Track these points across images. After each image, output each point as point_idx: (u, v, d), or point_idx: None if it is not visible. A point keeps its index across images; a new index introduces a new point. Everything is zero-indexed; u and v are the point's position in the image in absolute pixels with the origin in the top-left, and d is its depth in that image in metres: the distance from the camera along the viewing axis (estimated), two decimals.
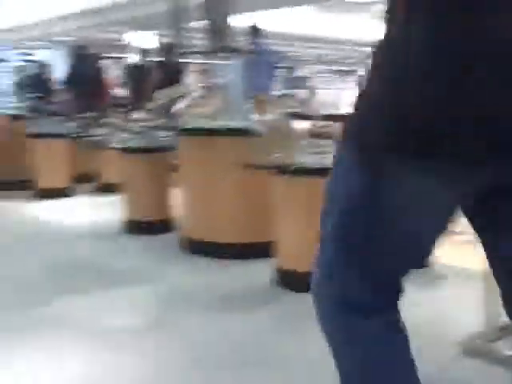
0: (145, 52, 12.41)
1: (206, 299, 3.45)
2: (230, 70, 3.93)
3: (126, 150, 5.08)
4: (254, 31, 7.44)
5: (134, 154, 5.04)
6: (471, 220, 1.33)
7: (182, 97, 4.29)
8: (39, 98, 8.66)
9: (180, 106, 4.13)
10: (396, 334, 1.39)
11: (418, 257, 1.39)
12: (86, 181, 7.17)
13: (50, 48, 23.22)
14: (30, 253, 4.51)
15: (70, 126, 7.02)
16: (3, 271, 4.03)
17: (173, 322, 3.11)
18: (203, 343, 2.82)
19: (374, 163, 1.21)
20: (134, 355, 2.69)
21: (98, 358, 2.67)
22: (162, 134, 5.09)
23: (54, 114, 7.38)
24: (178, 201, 4.64)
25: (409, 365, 1.38)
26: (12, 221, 5.68)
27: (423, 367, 1.46)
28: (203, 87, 4.48)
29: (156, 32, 17.41)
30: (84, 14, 16.50)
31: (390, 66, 1.18)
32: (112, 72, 10.62)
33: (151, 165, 4.97)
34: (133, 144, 5.14)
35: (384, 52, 1.21)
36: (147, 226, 4.96)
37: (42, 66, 10.74)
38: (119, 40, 19.39)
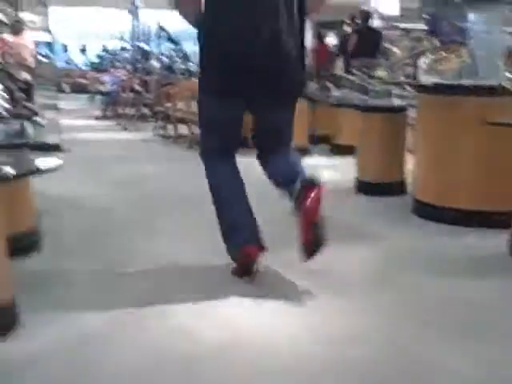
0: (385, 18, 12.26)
1: (435, 263, 3.35)
2: (483, 22, 3.68)
3: (364, 109, 5.06)
4: None
5: (372, 112, 5.00)
6: (250, 112, 3.04)
7: (424, 53, 4.11)
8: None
9: (422, 62, 3.97)
10: (236, 168, 3.16)
11: (235, 133, 3.11)
12: (323, 141, 7.34)
13: None
14: (261, 204, 4.75)
15: (310, 87, 7.22)
16: None
17: (401, 282, 3.07)
18: (433, 305, 2.75)
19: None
20: (368, 310, 2.71)
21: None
22: (402, 92, 4.98)
23: None
24: (413, 162, 4.52)
25: (243, 186, 3.15)
26: (248, 175, 6.02)
27: None
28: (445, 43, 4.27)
29: None
30: None
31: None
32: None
33: (389, 124, 4.90)
34: (369, 103, 5.11)
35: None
36: (380, 186, 4.93)
37: None
38: (360, 5, 19.29)
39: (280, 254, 3.24)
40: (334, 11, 20.57)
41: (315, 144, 7.27)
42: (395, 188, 4.97)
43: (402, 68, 4.43)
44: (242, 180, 3.13)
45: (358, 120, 5.17)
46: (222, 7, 2.79)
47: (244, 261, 3.01)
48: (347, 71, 8.14)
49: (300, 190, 2.85)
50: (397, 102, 5.08)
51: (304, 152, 6.96)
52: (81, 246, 3.57)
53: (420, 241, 3.77)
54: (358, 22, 9.94)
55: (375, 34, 9.41)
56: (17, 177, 2.16)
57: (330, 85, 6.92)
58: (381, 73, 5.64)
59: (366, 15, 9.50)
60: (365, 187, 5.03)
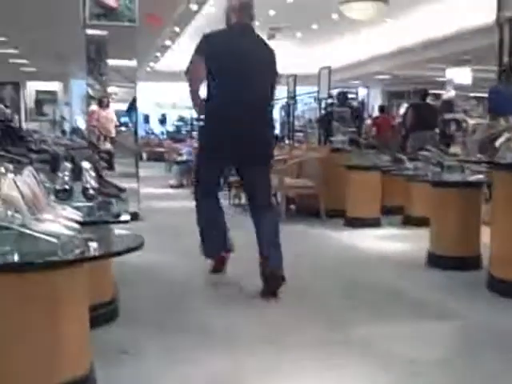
0: (459, 87, 12.35)
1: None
2: None
3: (438, 184, 5.06)
4: None
5: (446, 187, 4.99)
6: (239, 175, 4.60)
7: (502, 132, 4.12)
8: (354, 132, 9.10)
9: (501, 140, 3.98)
10: (219, 205, 4.62)
11: (216, 183, 4.59)
12: (394, 213, 7.33)
13: (367, 86, 24.23)
14: (334, 274, 4.77)
15: (384, 159, 7.30)
16: (310, 288, 4.34)
17: (479, 362, 3.00)
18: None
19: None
20: None
21: None
22: (477, 168, 4.97)
23: (370, 146, 7.68)
24: (488, 237, 4.45)
25: (223, 217, 4.69)
26: (324, 245, 6.07)
27: None
28: None
29: (472, 68, 17.04)
30: (398, 53, 16.90)
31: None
32: None
33: (463, 199, 4.87)
34: (445, 178, 5.11)
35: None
36: (453, 260, 4.86)
37: (359, 102, 11.35)
38: (435, 76, 19.40)
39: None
40: (407, 81, 20.77)
41: (387, 215, 7.26)
42: (469, 262, 4.89)
43: (476, 145, 4.44)
44: (222, 209, 4.70)
45: (431, 192, 5.17)
46: (220, 98, 4.16)
47: (219, 263, 4.72)
48: (403, 144, 8.32)
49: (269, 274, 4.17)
50: (472, 177, 5.06)
51: (376, 223, 6.99)
52: (157, 318, 3.66)
53: (497, 318, 3.68)
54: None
55: (431, 110, 10.00)
56: (101, 257, 2.30)
57: (403, 157, 6.95)
58: (456, 149, 5.65)
59: (424, 92, 10.20)
60: (437, 260, 4.96)
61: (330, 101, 10.84)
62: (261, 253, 4.30)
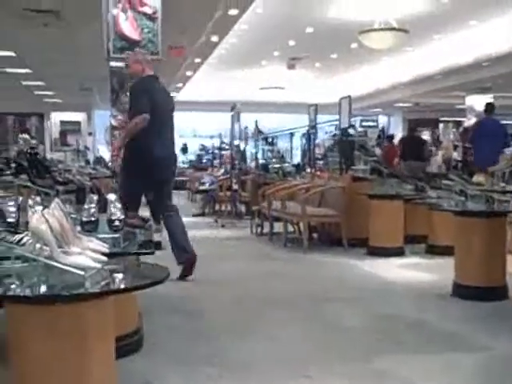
0: (480, 115, 12.42)
1: None
2: None
3: (463, 213, 5.03)
4: None
5: (471, 216, 4.96)
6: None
7: None
8: (376, 161, 9.09)
9: None
10: (178, 215, 5.67)
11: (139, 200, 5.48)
12: (417, 241, 7.27)
13: (388, 114, 24.28)
14: (358, 305, 4.74)
15: (407, 188, 7.28)
16: (334, 318, 4.32)
17: None
18: None
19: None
20: None
21: None
22: (502, 198, 4.93)
23: (392, 175, 7.66)
24: None
25: (183, 228, 5.62)
26: (347, 275, 6.03)
27: None
28: None
29: (493, 95, 17.01)
30: (418, 81, 16.95)
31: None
32: (449, 135, 10.89)
33: (488, 229, 4.83)
34: (470, 207, 5.07)
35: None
36: (479, 290, 4.80)
37: (381, 131, 11.44)
38: (455, 104, 19.39)
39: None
40: (427, 109, 20.78)
41: (410, 244, 7.21)
42: (495, 292, 4.82)
43: (500, 174, 4.42)
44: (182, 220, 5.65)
45: (455, 222, 5.13)
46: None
47: (190, 266, 5.50)
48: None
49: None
50: (496, 206, 5.03)
51: (399, 252, 6.93)
52: (180, 349, 3.66)
53: None
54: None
55: (418, 142, 11.23)
56: (128, 290, 2.31)
57: (425, 186, 6.92)
58: (479, 178, 5.62)
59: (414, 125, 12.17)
60: (462, 291, 4.90)
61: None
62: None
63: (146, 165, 5.21)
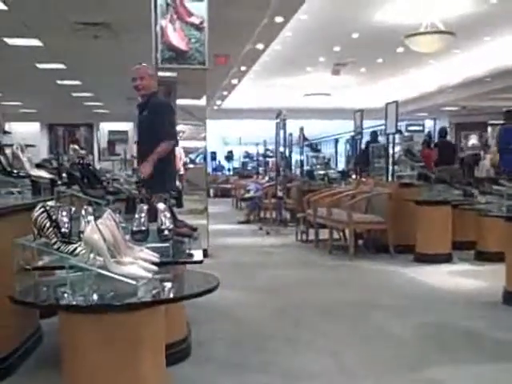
0: None
1: None
2: None
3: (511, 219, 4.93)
4: None
5: None
6: None
7: None
8: (423, 166, 8.98)
9: None
10: None
11: None
12: (466, 248, 7.16)
13: (434, 118, 23.95)
14: (405, 313, 4.69)
15: (455, 193, 7.18)
16: (382, 327, 4.29)
17: None
18: None
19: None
20: None
21: None
22: None
23: (440, 181, 7.56)
24: None
25: None
26: (394, 282, 5.98)
27: None
28: None
29: None
30: (465, 84, 16.68)
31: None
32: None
33: None
34: None
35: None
36: None
37: (427, 135, 11.35)
38: (503, 107, 18.98)
39: None
40: (475, 112, 20.39)
41: (458, 250, 7.09)
42: None
43: None
44: None
45: (505, 227, 5.03)
46: None
47: None
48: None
49: None
50: None
51: (447, 258, 6.83)
52: (228, 357, 3.69)
53: None
54: None
55: (450, 147, 11.48)
56: (180, 299, 2.36)
57: (474, 191, 6.81)
58: None
59: (445, 131, 12.05)
60: None
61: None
62: None
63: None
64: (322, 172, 11.89)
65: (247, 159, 23.44)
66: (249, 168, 21.95)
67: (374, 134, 12.08)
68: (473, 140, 21.89)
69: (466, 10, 10.15)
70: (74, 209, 3.14)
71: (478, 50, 13.40)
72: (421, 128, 23.31)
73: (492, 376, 3.33)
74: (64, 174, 4.46)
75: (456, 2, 9.80)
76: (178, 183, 9.57)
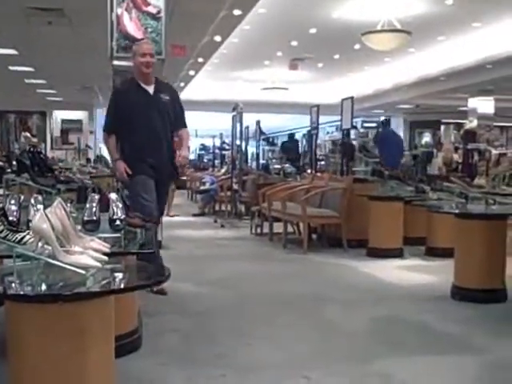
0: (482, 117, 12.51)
1: None
2: None
3: (463, 215, 5.04)
4: None
5: (471, 219, 4.96)
6: None
7: None
8: (377, 162, 9.11)
9: None
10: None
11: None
12: (417, 243, 7.29)
13: (389, 116, 24.26)
14: (357, 306, 4.75)
15: (407, 190, 7.29)
16: (333, 320, 4.33)
17: None
18: None
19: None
20: None
21: None
22: (502, 201, 4.95)
23: (393, 177, 7.68)
24: None
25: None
26: (346, 276, 6.05)
27: None
28: None
29: (495, 97, 17.02)
30: (421, 82, 16.95)
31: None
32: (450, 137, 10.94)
33: (488, 231, 4.84)
34: (470, 209, 5.09)
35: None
36: (479, 293, 4.81)
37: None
38: (457, 106, 19.38)
39: None
40: (429, 111, 20.78)
41: (409, 245, 7.22)
42: (495, 295, 4.83)
43: (502, 177, 4.44)
44: None
45: (455, 224, 5.13)
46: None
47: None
48: None
49: None
50: (497, 209, 5.04)
51: (398, 253, 6.95)
52: (179, 349, 3.67)
53: None
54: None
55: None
56: (129, 289, 2.33)
57: (426, 188, 6.93)
58: (480, 181, 5.63)
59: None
60: (462, 293, 4.91)
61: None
62: None
63: None
64: (277, 166, 11.94)
65: (203, 152, 23.34)
66: (205, 160, 21.87)
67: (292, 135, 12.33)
68: (426, 138, 22.29)
69: (421, 9, 10.30)
70: (22, 197, 3.07)
71: (432, 50, 13.63)
72: (376, 125, 23.63)
73: (439, 367, 3.40)
74: (14, 162, 4.36)
75: (412, 1, 9.94)
76: None
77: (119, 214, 2.81)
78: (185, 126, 5.09)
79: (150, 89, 4.96)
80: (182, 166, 5.13)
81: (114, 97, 5.12)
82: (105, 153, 18.57)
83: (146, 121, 4.84)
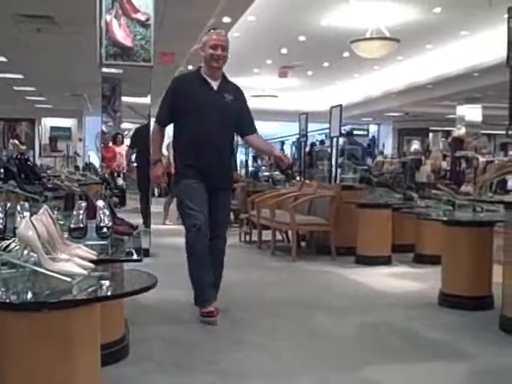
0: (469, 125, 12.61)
1: None
2: None
3: (450, 223, 5.07)
4: None
5: (458, 226, 4.99)
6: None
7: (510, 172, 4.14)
8: (366, 169, 9.15)
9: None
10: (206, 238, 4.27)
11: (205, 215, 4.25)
12: (405, 251, 7.31)
13: (378, 123, 24.39)
14: (345, 313, 4.75)
15: (395, 197, 7.33)
16: (321, 327, 4.33)
17: None
18: None
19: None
20: None
21: None
22: (489, 208, 4.99)
23: (381, 184, 7.71)
24: (500, 277, 4.43)
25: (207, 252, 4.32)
26: (334, 283, 6.05)
27: None
28: None
29: (483, 105, 17.15)
30: (409, 90, 17.06)
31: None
32: (438, 144, 11.00)
33: (475, 238, 4.86)
34: (457, 217, 5.12)
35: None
36: (466, 300, 4.83)
37: (371, 139, 11.54)
38: (445, 114, 19.50)
39: None
40: (418, 118, 20.93)
41: (398, 253, 7.24)
42: (482, 302, 4.86)
43: (488, 184, 4.47)
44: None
45: (443, 231, 5.16)
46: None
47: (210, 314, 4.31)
48: None
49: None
50: (484, 216, 5.08)
51: (386, 261, 6.97)
52: (166, 357, 3.66)
53: (510, 360, 3.65)
54: None
55: None
56: (115, 297, 2.32)
57: (414, 195, 6.97)
58: (467, 188, 5.67)
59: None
60: (449, 300, 4.94)
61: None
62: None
63: None
64: (266, 173, 11.96)
65: None
66: None
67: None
68: (415, 145, 22.41)
69: (410, 17, 10.39)
70: (9, 204, 3.06)
71: (420, 58, 13.73)
72: (365, 132, 23.71)
73: (427, 374, 3.41)
74: (1, 169, 4.34)
75: (401, 9, 10.02)
76: (121, 182, 9.46)
77: (106, 222, 2.80)
78: (255, 130, 4.65)
79: (215, 85, 4.45)
80: (289, 165, 5.02)
81: (172, 85, 4.53)
82: (93, 160, 18.53)
83: (202, 118, 4.29)
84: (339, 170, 10.59)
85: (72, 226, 2.81)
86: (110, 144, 9.41)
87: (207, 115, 4.29)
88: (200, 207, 4.22)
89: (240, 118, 4.51)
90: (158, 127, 4.51)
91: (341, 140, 10.25)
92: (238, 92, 4.61)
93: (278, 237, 8.25)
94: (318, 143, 18.74)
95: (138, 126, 7.96)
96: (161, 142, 4.62)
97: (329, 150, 11.92)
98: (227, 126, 4.42)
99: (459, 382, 3.32)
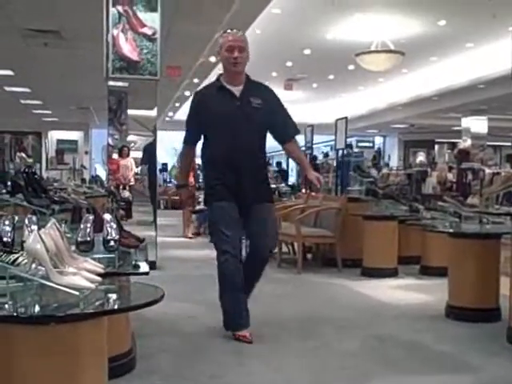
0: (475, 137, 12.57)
1: None
2: None
3: (457, 235, 5.06)
4: None
5: (465, 238, 4.99)
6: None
7: None
8: (372, 181, 9.14)
9: None
10: (240, 263, 4.18)
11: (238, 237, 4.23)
12: (411, 263, 7.30)
13: (384, 135, 24.42)
14: (351, 326, 4.74)
15: (401, 209, 7.32)
16: (327, 339, 4.32)
17: None
18: None
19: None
20: None
21: None
22: (496, 220, 4.98)
23: (387, 196, 7.71)
24: (507, 289, 4.42)
25: (241, 276, 4.18)
26: (340, 296, 6.04)
27: None
28: None
29: (488, 117, 17.16)
30: (415, 102, 17.09)
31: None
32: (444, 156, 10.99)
33: (482, 250, 4.85)
34: (464, 228, 5.11)
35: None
36: (473, 312, 4.82)
37: (377, 151, 11.53)
38: (451, 126, 19.51)
39: None
40: (423, 130, 20.94)
41: (404, 265, 7.23)
42: (489, 314, 4.84)
43: (494, 196, 4.47)
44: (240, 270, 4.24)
45: (449, 243, 5.15)
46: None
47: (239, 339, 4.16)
48: None
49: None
50: (490, 228, 5.07)
51: (393, 273, 6.95)
52: (173, 370, 3.65)
53: None
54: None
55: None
56: (122, 311, 2.33)
57: (420, 207, 6.96)
58: (473, 200, 5.67)
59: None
60: (456, 312, 4.92)
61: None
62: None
63: None
64: (272, 186, 11.95)
65: (199, 171, 23.32)
66: (200, 180, 21.84)
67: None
68: (420, 157, 22.40)
69: (415, 30, 10.43)
70: (17, 218, 3.08)
71: (425, 70, 13.76)
72: (371, 144, 23.73)
73: None
74: (8, 183, 4.37)
75: (406, 22, 10.06)
76: (128, 194, 9.47)
77: (113, 235, 2.82)
78: (293, 135, 4.27)
79: (237, 91, 4.06)
80: (317, 188, 4.47)
81: (192, 101, 4.24)
82: (100, 173, 18.58)
83: (225, 131, 3.98)
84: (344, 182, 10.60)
85: (79, 239, 2.82)
86: (115, 156, 9.43)
87: (231, 127, 3.97)
88: (232, 230, 4.04)
89: (272, 121, 4.16)
90: (184, 148, 4.31)
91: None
92: (266, 92, 4.21)
93: (284, 249, 8.25)
94: (320, 155, 18.79)
95: (147, 142, 7.99)
96: (189, 164, 4.45)
97: (330, 162, 11.94)
98: (256, 133, 4.08)
99: None
